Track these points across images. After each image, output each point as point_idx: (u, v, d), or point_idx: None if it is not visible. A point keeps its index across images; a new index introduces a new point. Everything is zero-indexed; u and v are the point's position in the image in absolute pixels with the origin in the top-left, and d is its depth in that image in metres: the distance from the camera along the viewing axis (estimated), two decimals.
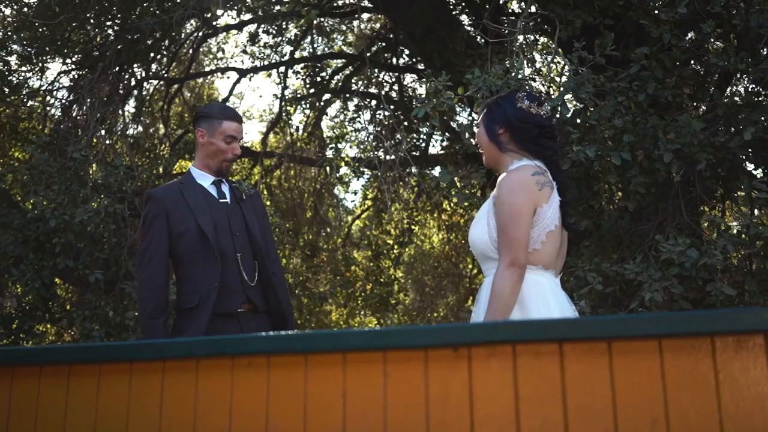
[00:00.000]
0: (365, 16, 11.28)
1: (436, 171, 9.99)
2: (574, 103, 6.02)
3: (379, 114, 10.68)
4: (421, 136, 10.48)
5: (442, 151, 10.69)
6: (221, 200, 3.97)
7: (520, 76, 5.62)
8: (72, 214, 6.83)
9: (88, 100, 8.91)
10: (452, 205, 11.52)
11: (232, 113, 4.10)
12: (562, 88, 5.67)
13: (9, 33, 9.56)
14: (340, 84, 11.63)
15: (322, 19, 11.54)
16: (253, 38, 9.45)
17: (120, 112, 9.03)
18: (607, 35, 5.53)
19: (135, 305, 7.15)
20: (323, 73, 11.73)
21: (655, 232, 5.89)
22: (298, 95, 10.95)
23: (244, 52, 10.81)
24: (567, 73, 6.57)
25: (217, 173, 4.01)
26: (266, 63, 10.92)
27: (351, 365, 2.11)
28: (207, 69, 11.97)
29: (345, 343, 2.13)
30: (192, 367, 2.28)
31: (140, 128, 10.29)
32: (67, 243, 7.02)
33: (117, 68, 9.29)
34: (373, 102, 11.63)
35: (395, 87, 11.22)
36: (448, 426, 1.99)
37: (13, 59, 9.94)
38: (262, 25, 9.80)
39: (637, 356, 1.88)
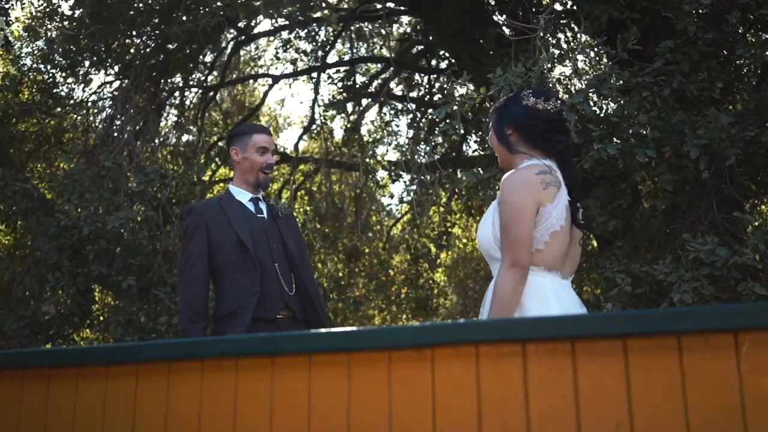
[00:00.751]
0: (397, 18, 11.26)
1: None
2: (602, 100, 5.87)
3: (408, 117, 10.61)
4: (456, 137, 10.38)
5: (477, 153, 10.58)
6: (258, 215, 4.10)
7: (542, 72, 5.52)
8: (104, 221, 6.95)
9: (131, 110, 9.09)
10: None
11: (260, 127, 4.32)
12: (585, 84, 5.54)
13: (54, 46, 9.79)
14: (376, 88, 11.62)
15: (362, 24, 11.59)
16: (286, 44, 9.52)
17: (157, 120, 9.15)
18: (632, 30, 5.39)
19: (167, 311, 7.24)
20: (362, 78, 11.76)
21: (689, 232, 5.71)
22: (334, 100, 10.96)
23: (277, 58, 10.89)
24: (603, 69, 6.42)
25: (255, 187, 4.14)
26: (301, 68, 10.97)
27: (316, 367, 2.08)
28: (248, 76, 12.06)
29: (310, 345, 2.09)
30: (164, 370, 2.27)
31: (174, 137, 10.42)
32: (101, 250, 7.15)
33: (156, 76, 9.47)
34: (410, 105, 11.60)
35: (432, 89, 11.15)
36: (411, 429, 1.93)
37: (57, 72, 10.21)
38: (295, 31, 9.85)
39: (601, 356, 1.79)
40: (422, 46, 11.16)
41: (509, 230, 2.92)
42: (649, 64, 5.43)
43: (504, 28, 7.04)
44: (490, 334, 1.90)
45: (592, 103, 5.47)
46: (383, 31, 12.20)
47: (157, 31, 8.18)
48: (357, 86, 10.80)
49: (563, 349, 1.83)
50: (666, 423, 1.71)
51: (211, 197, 4.39)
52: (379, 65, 11.77)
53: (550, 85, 5.50)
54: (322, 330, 2.40)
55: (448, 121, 5.76)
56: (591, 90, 5.34)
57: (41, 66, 10.34)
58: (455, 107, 5.65)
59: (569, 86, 6.65)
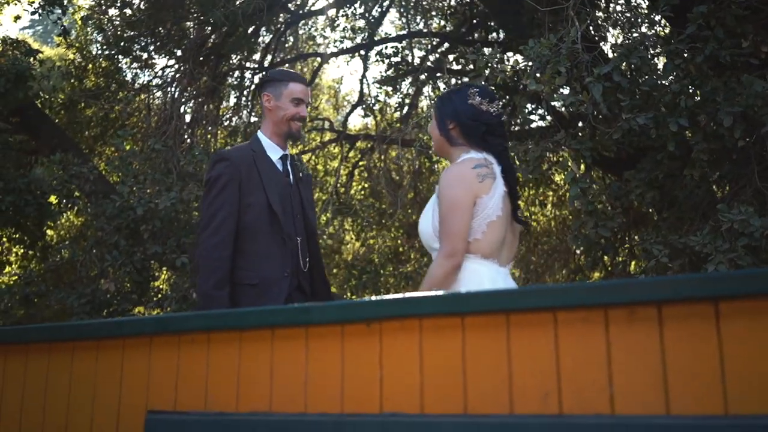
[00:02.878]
0: None
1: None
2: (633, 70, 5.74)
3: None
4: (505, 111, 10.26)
5: (540, 124, 10.46)
6: (286, 177, 3.89)
7: (574, 42, 5.45)
8: (157, 202, 7.22)
9: (193, 91, 9.36)
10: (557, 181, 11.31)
11: (297, 75, 4.02)
12: (616, 54, 5.44)
13: (110, 32, 10.15)
14: (432, 63, 11.58)
15: None
16: (333, 22, 9.60)
17: (208, 101, 9.39)
18: None
19: None
20: (419, 53, 11.75)
21: (732, 201, 5.57)
22: (383, 77, 11.00)
23: (324, 37, 10.98)
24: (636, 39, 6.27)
25: (286, 139, 3.91)
26: (353, 46, 11.04)
27: (278, 341, 2.18)
28: (298, 55, 12.19)
29: (272, 320, 2.19)
30: (146, 344, 2.41)
31: (229, 119, 10.65)
32: (156, 229, 7.43)
33: (213, 58, 9.72)
34: (465, 80, 11.53)
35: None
36: (360, 398, 2.02)
37: (121, 57, 10.57)
38: (342, 9, 9.92)
39: (532, 329, 1.83)
40: (474, 20, 11.05)
41: (446, 222, 3.09)
42: (683, 32, 5.30)
43: None
44: (432, 308, 1.96)
45: (625, 73, 5.37)
46: (440, 4, 12.15)
47: (202, 16, 8.36)
48: (405, 62, 10.79)
49: (498, 322, 1.87)
50: (591, 394, 1.74)
51: (241, 145, 4.13)
52: (431, 41, 11.73)
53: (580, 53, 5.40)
54: (283, 305, 2.50)
55: None
56: (622, 60, 5.24)
57: (105, 52, 10.69)
58: (487, 80, 5.65)
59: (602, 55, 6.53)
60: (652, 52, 5.48)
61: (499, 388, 1.84)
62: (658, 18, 6.37)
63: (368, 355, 2.03)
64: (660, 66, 5.49)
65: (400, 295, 2.00)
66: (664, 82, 5.18)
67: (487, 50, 5.74)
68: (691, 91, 5.08)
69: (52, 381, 2.60)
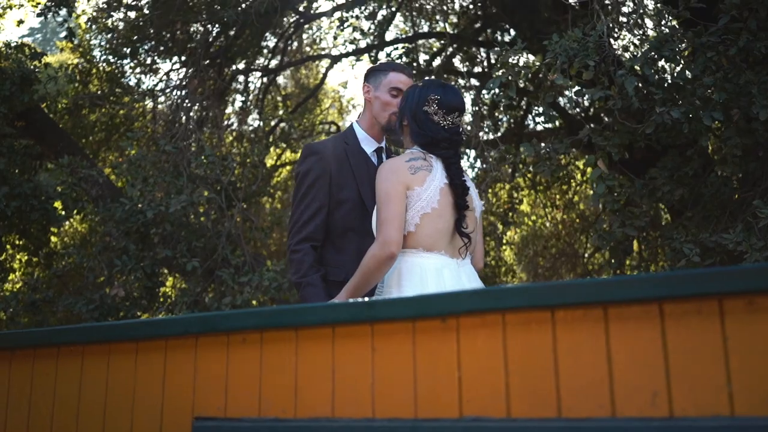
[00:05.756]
0: None
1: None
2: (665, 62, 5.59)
3: (471, 93, 10.41)
4: (519, 112, 10.13)
5: (542, 127, 10.33)
6: None
7: (600, 37, 5.30)
8: (167, 205, 7.04)
9: (200, 95, 9.18)
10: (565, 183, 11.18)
11: (399, 65, 3.82)
12: (646, 47, 5.29)
13: (116, 36, 9.97)
14: (438, 66, 11.44)
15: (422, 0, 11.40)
16: (342, 23, 9.44)
17: (215, 104, 9.22)
18: None
19: (231, 291, 7.31)
20: (425, 56, 11.59)
21: (762, 199, 5.42)
22: None
23: (334, 38, 10.83)
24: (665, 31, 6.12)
25: (382, 132, 3.73)
26: (360, 48, 10.89)
27: (339, 339, 2.01)
28: (306, 57, 12.04)
29: (333, 316, 2.02)
30: (191, 345, 2.24)
31: (237, 122, 10.48)
32: (166, 233, 7.25)
33: (219, 62, 9.56)
34: (474, 81, 11.39)
35: (491, 64, 10.91)
36: (437, 401, 1.84)
37: (124, 61, 10.41)
38: (351, 10, 9.77)
39: (635, 322, 1.66)
40: (483, 20, 10.92)
41: (380, 212, 3.12)
42: (715, 24, 5.15)
43: None
44: (517, 301, 1.79)
45: (654, 66, 5.21)
46: (444, 8, 12.01)
47: (213, 16, 8.19)
48: (415, 64, 10.64)
49: (595, 315, 1.70)
50: (707, 394, 1.57)
51: (335, 136, 3.97)
52: (440, 42, 11.59)
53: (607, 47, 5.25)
54: (345, 301, 2.32)
55: (502, 91, 5.60)
56: (652, 52, 5.09)
57: (109, 57, 10.51)
58: (509, 77, 5.49)
59: (629, 49, 6.39)
60: (681, 46, 5.32)
61: (598, 389, 1.67)
62: (673, 14, 6.23)
63: (444, 353, 1.86)
64: (690, 59, 5.34)
65: (479, 287, 1.83)
66: (696, 74, 5.01)
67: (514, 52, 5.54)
68: (724, 84, 4.92)
69: (86, 387, 2.42)
